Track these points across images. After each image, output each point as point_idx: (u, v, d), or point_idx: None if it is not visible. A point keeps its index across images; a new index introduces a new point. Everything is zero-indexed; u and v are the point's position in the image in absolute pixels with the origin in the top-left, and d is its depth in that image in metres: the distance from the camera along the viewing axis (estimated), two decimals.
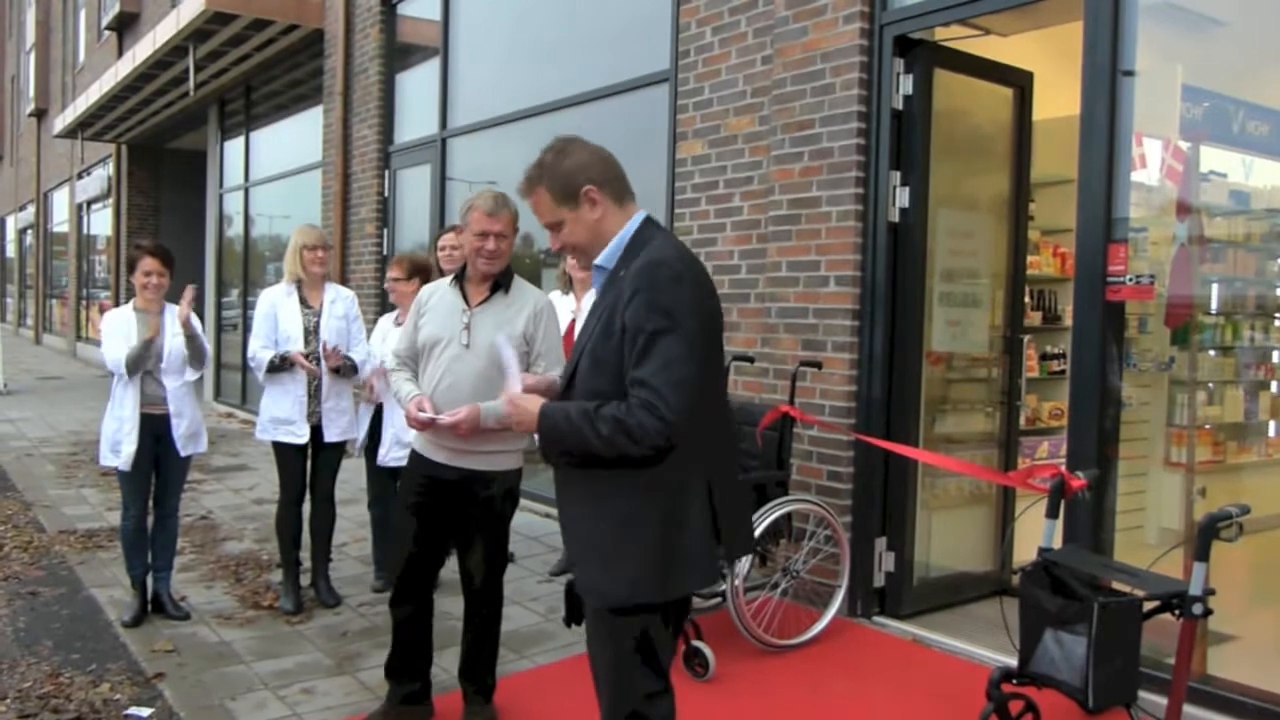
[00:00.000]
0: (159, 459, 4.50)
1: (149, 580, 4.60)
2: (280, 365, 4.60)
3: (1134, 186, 3.85)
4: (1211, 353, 4.22)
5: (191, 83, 10.97)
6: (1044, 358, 5.87)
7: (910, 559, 4.68)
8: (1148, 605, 2.94)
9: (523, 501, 3.88)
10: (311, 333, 4.69)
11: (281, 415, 4.65)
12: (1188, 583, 2.85)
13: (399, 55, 8.92)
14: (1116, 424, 3.86)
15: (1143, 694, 3.05)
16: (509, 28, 7.54)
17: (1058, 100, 4.84)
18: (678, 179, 5.56)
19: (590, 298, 3.85)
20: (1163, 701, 2.98)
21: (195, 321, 4.44)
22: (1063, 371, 5.74)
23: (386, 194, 8.88)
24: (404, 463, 3.60)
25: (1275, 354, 4.36)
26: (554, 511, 6.08)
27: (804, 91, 4.79)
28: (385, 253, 8.78)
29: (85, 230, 20.52)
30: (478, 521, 3.39)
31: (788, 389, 4.52)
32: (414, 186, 8.56)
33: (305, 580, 4.86)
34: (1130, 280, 3.76)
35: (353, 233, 9.29)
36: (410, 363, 3.46)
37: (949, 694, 3.76)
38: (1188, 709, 3.05)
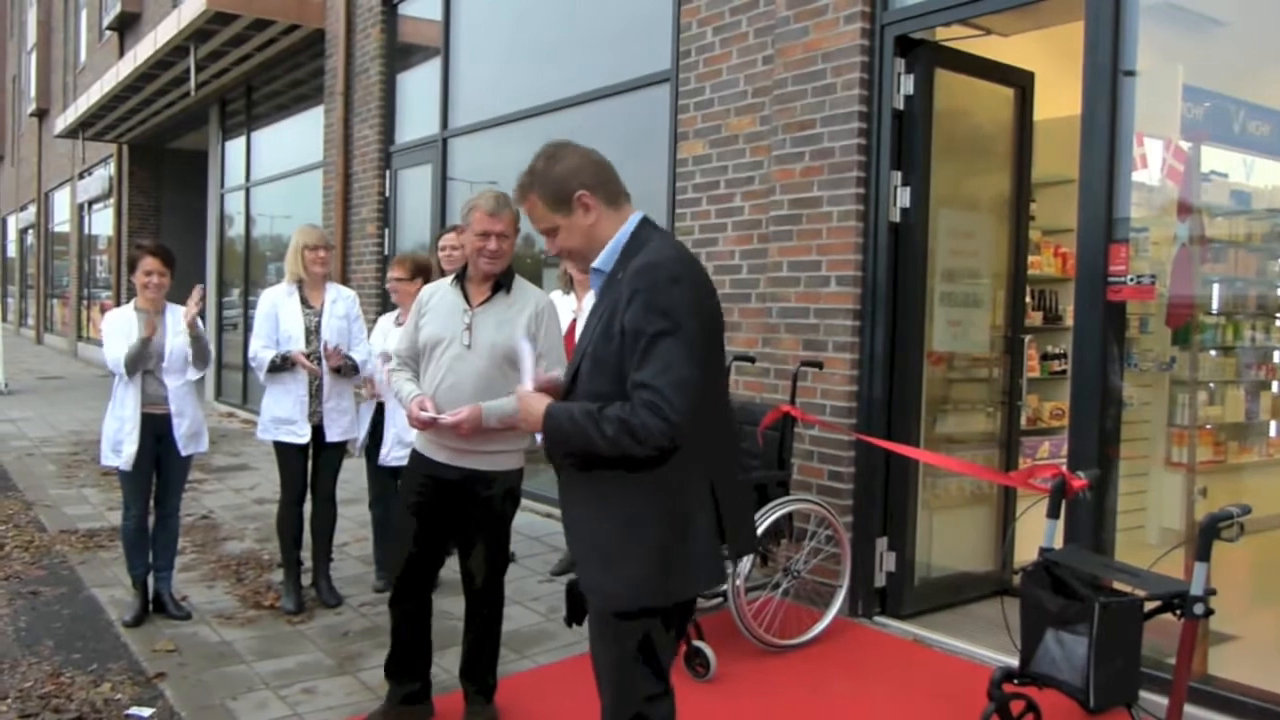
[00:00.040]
0: (160, 459, 4.50)
1: (150, 580, 4.61)
2: (282, 365, 4.60)
3: (1135, 186, 3.85)
4: (1212, 353, 4.22)
5: (193, 83, 10.97)
6: (1045, 358, 5.87)
7: (911, 559, 4.67)
8: (1149, 605, 2.94)
9: (524, 501, 3.88)
10: (313, 333, 4.69)
11: (283, 415, 4.65)
12: (1189, 583, 2.85)
13: (400, 55, 8.92)
14: (1118, 424, 3.86)
15: (1144, 694, 3.05)
16: (510, 28, 7.55)
17: (1059, 100, 4.84)
18: (679, 179, 5.56)
19: (591, 298, 3.85)
20: (1164, 701, 2.98)
21: (199, 322, 4.44)
22: (1064, 371, 5.74)
23: (387, 194, 8.89)
24: (406, 462, 3.60)
25: (1276, 354, 4.36)
26: (555, 511, 6.08)
27: (805, 91, 4.79)
28: (386, 253, 8.79)
29: (86, 230, 20.53)
30: (479, 521, 3.39)
31: (789, 389, 4.52)
32: (415, 186, 8.57)
33: (306, 580, 4.86)
34: (1131, 280, 3.76)
35: (354, 233, 9.29)
36: (411, 363, 3.46)
37: (950, 694, 3.76)
38: (1188, 709, 3.05)
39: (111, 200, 17.58)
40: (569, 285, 5.27)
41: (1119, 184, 3.80)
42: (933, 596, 4.76)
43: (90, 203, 19.84)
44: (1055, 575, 3.08)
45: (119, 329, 4.41)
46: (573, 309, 5.11)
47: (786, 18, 4.87)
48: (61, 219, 22.64)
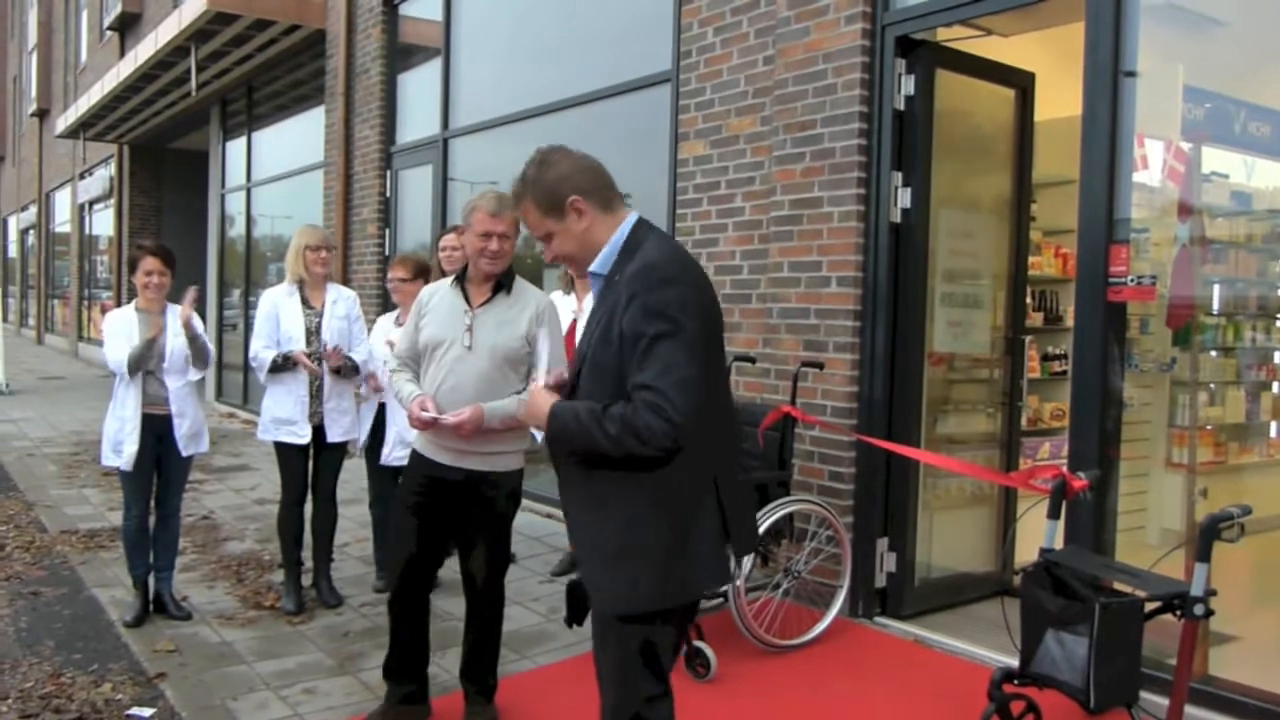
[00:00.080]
0: (161, 459, 4.50)
1: (151, 580, 4.61)
2: (282, 365, 4.60)
3: (1136, 187, 3.85)
4: (1213, 353, 4.22)
5: (193, 83, 10.98)
6: (1045, 358, 5.87)
7: (912, 559, 4.67)
8: (1149, 606, 2.94)
9: (524, 502, 3.88)
10: (313, 333, 4.69)
11: (283, 415, 4.65)
12: (1189, 583, 2.85)
13: (401, 56, 8.92)
14: (1118, 425, 3.86)
15: (1144, 694, 3.05)
16: (511, 28, 7.55)
17: (1059, 101, 4.84)
18: (679, 179, 5.56)
19: (592, 299, 3.85)
20: (1164, 702, 2.98)
21: (197, 322, 4.44)
22: (1064, 372, 5.74)
23: (388, 194, 8.89)
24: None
25: (1277, 355, 4.36)
26: (555, 512, 6.09)
27: (806, 92, 4.79)
28: (387, 253, 8.79)
29: (87, 230, 20.54)
30: (479, 522, 3.39)
31: (789, 389, 4.52)
32: (416, 187, 8.57)
33: (307, 580, 4.87)
34: (1132, 281, 3.76)
35: (354, 233, 9.30)
36: (411, 364, 3.46)
37: (950, 694, 3.76)
38: (1189, 709, 3.04)
39: (112, 200, 17.59)
40: (570, 286, 5.27)
41: (1120, 185, 3.80)
42: (933, 597, 4.76)
43: (91, 203, 19.85)
44: (1056, 576, 3.08)
45: (120, 329, 4.41)
46: (573, 309, 5.11)
47: (787, 18, 4.87)
48: (62, 219, 22.64)
